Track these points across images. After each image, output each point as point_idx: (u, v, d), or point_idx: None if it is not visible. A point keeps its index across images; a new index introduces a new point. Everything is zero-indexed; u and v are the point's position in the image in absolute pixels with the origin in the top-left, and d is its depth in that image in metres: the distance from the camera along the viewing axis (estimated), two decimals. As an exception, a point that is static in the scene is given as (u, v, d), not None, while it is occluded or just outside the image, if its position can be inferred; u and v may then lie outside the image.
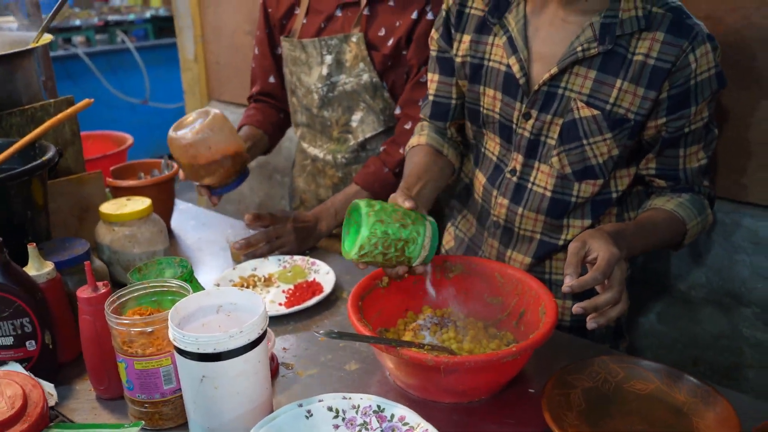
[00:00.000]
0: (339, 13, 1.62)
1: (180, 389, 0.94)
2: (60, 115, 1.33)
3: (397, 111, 1.62)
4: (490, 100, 1.27)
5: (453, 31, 1.31)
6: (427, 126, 1.41)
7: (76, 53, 4.88)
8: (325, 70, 1.62)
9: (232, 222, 1.69)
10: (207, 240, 1.59)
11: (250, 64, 1.82)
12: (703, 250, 1.47)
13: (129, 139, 2.00)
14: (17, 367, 0.99)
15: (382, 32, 1.57)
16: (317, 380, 1.06)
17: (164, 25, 5.76)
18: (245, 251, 1.45)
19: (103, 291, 0.99)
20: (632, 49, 1.12)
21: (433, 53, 1.37)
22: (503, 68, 1.23)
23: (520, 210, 1.28)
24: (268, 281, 1.36)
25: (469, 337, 1.09)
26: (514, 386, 1.03)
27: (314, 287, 1.30)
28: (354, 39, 1.57)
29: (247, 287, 1.33)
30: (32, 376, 0.94)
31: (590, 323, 0.96)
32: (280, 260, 1.42)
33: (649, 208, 1.23)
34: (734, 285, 1.41)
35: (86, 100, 1.38)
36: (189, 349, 0.84)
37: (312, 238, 1.52)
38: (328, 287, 1.29)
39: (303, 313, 1.24)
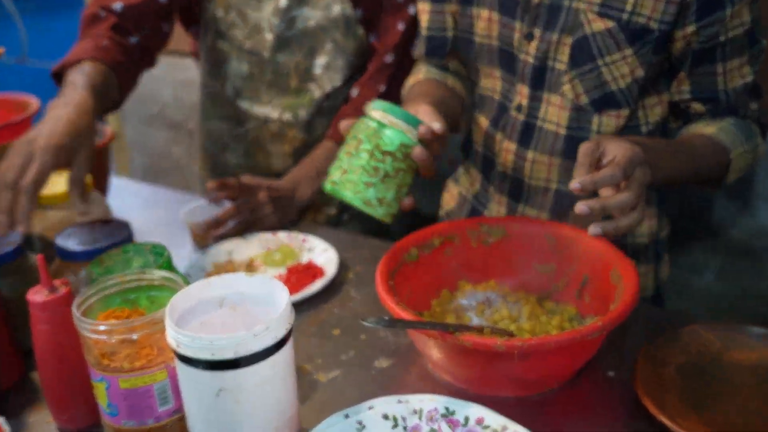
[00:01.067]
0: None
1: (178, 409, 0.87)
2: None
3: (372, 39, 1.56)
4: (485, 23, 1.24)
5: None
6: (423, 64, 1.39)
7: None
8: (283, 2, 1.52)
9: (181, 197, 1.60)
10: (157, 221, 1.51)
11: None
12: (763, 191, 1.48)
13: (34, 103, 1.86)
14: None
15: None
16: (343, 384, 1.01)
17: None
18: (211, 233, 1.37)
19: (62, 292, 0.90)
20: None
21: None
22: None
23: (529, 154, 1.26)
24: (250, 267, 1.29)
25: (526, 315, 1.05)
26: (589, 370, 1.00)
27: (313, 270, 1.25)
28: None
29: (224, 276, 1.26)
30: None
31: (593, 228, 0.94)
32: (260, 240, 1.35)
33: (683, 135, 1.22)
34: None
35: (-5, 50, 1.28)
36: (201, 356, 0.77)
37: (293, 210, 1.45)
38: (330, 268, 1.24)
39: (304, 304, 1.18)
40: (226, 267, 1.29)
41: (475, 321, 1.05)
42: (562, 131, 1.22)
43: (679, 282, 1.61)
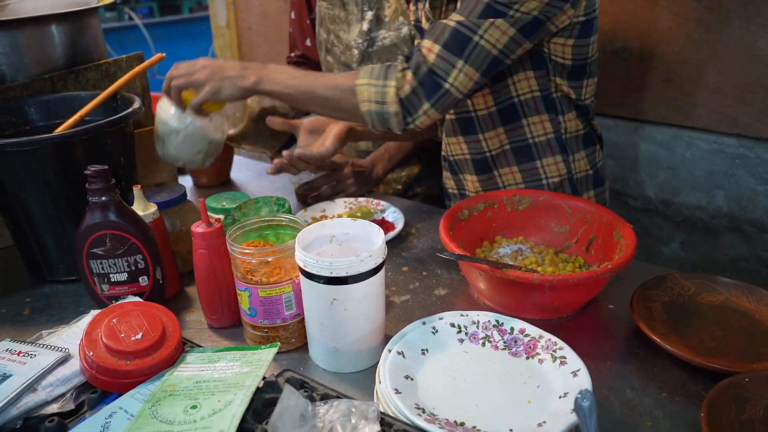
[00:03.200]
0: None
1: (298, 314, 0.89)
2: (137, 68, 1.24)
3: None
4: None
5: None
6: None
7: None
8: (365, 26, 1.53)
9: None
10: (270, 188, 1.52)
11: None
12: (725, 183, 1.45)
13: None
14: (138, 300, 0.93)
15: None
16: (412, 304, 1.02)
17: (166, 3, 5.52)
18: (309, 194, 1.39)
19: (216, 226, 0.92)
20: None
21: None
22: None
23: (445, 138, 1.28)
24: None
25: (548, 261, 1.05)
26: (594, 303, 1.01)
27: (387, 225, 1.25)
28: None
29: (320, 227, 1.28)
30: (160, 305, 0.87)
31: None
32: (345, 202, 1.37)
33: None
34: (756, 214, 1.40)
35: (158, 55, 1.30)
36: (322, 273, 0.79)
37: (370, 182, 1.46)
38: (399, 224, 1.24)
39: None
40: (320, 219, 1.30)
41: (510, 264, 1.06)
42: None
43: (651, 250, 1.59)
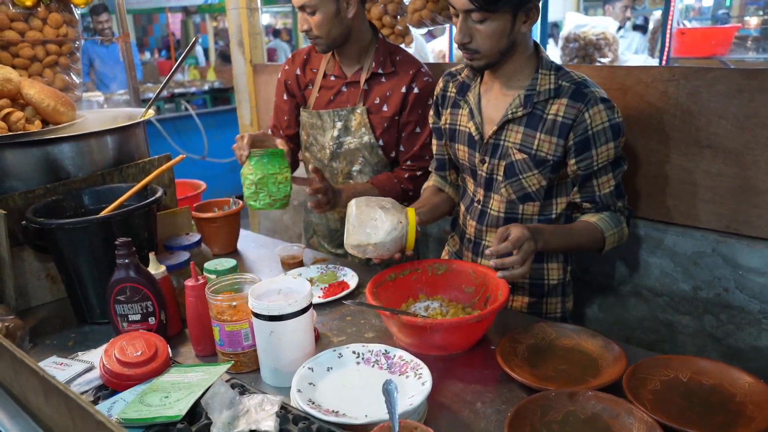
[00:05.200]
0: (344, 89, 1.95)
1: (253, 345, 1.24)
2: (163, 167, 1.67)
3: (408, 162, 1.94)
4: (461, 152, 1.60)
5: (440, 109, 1.66)
6: (433, 175, 1.77)
7: (150, 120, 5.31)
8: (335, 133, 1.94)
9: (281, 244, 2.01)
10: (264, 257, 1.91)
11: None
12: (628, 256, 1.75)
13: (203, 185, 2.34)
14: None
15: (377, 101, 1.90)
16: (345, 343, 1.35)
17: (219, 95, 6.22)
18: (292, 262, 1.76)
19: (201, 281, 1.30)
20: (547, 111, 1.43)
21: (431, 125, 1.72)
22: (466, 130, 1.56)
23: (483, 228, 1.58)
24: (310, 282, 1.66)
25: (450, 314, 1.38)
26: (481, 345, 1.31)
27: (343, 285, 1.60)
28: (358, 110, 1.90)
29: (295, 286, 1.64)
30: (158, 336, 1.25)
31: (499, 274, 1.28)
32: (318, 268, 1.73)
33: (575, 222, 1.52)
34: (650, 281, 1.69)
35: (180, 156, 1.73)
36: (263, 312, 1.15)
37: (336, 202, 1.74)
38: (352, 284, 1.60)
39: (335, 302, 1.54)
40: (297, 282, 1.67)
41: (422, 315, 1.39)
42: (502, 214, 1.55)
43: (580, 312, 1.87)
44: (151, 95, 5.65)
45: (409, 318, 1.21)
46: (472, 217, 1.60)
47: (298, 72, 2.02)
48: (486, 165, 1.53)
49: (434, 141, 1.73)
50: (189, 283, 1.30)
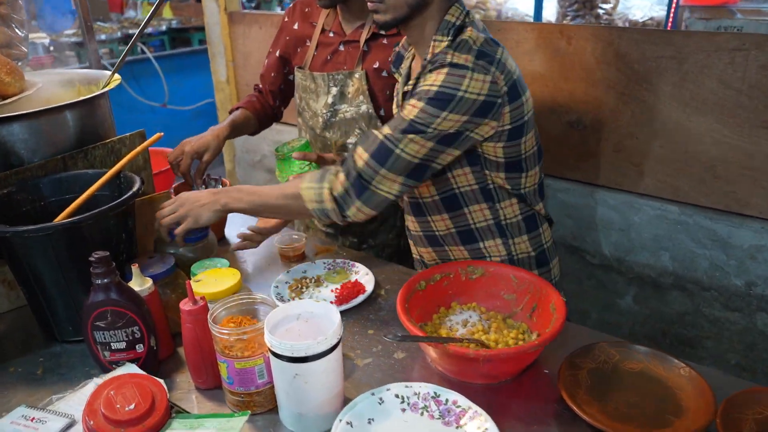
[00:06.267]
0: (342, 48, 1.69)
1: (270, 382, 1.03)
2: (138, 148, 1.39)
3: None
4: None
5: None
6: None
7: (103, 64, 4.85)
8: (330, 99, 1.69)
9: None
10: (262, 249, 1.67)
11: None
12: (671, 246, 1.58)
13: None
14: (133, 368, 1.08)
15: (376, 65, 1.65)
16: (373, 368, 1.15)
17: (177, 36, 5.73)
18: (292, 256, 1.54)
19: (201, 304, 1.07)
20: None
21: None
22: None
23: (410, 218, 1.43)
24: (317, 281, 1.45)
25: (493, 329, 1.19)
26: (531, 368, 1.14)
27: (358, 287, 1.39)
28: (357, 75, 1.65)
29: (300, 287, 1.42)
30: (153, 376, 1.02)
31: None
32: (324, 263, 1.51)
33: None
34: (697, 273, 1.53)
35: (157, 135, 1.45)
36: (285, 353, 0.93)
37: None
38: (369, 286, 1.39)
39: (352, 310, 1.33)
40: (301, 281, 1.45)
41: (460, 331, 1.19)
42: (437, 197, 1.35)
43: (607, 302, 1.72)
44: (101, 38, 5.14)
45: (460, 349, 1.02)
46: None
47: (296, 25, 1.74)
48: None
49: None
50: (185, 306, 1.07)
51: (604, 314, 1.68)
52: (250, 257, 1.61)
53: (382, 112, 1.69)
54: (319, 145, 1.78)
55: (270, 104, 1.93)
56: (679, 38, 1.41)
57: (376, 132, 1.19)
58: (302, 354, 0.93)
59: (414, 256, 1.53)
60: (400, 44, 1.44)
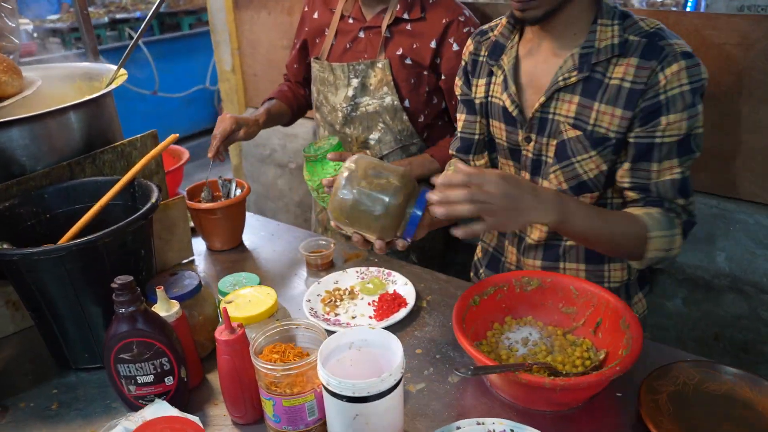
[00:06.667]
0: (362, 35, 1.57)
1: (321, 418, 0.93)
2: (153, 152, 1.26)
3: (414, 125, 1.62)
4: (497, 130, 1.29)
5: (470, 77, 1.33)
6: (454, 162, 1.42)
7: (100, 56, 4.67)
8: (350, 92, 1.57)
9: (298, 233, 1.65)
10: (281, 251, 1.55)
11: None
12: (728, 246, 1.48)
13: (185, 153, 1.92)
14: (164, 405, 0.96)
15: (399, 51, 1.54)
16: (428, 395, 1.05)
17: (167, 21, 5.52)
18: (322, 264, 1.42)
19: (239, 332, 0.96)
20: (609, 74, 1.11)
21: (459, 96, 1.38)
22: (500, 103, 1.25)
23: None
24: (351, 294, 1.33)
25: (557, 347, 1.09)
26: (603, 391, 1.04)
27: (399, 299, 1.28)
28: (380, 65, 1.53)
29: (334, 300, 1.31)
30: (187, 416, 0.91)
31: (453, 231, 0.95)
32: (357, 272, 1.40)
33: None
34: (756, 276, 1.44)
35: (172, 136, 1.32)
36: (345, 393, 0.82)
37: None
38: (410, 299, 1.28)
39: (394, 326, 1.22)
40: (334, 293, 1.33)
41: (521, 351, 1.09)
42: None
43: (657, 303, 1.62)
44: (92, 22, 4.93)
45: (534, 378, 0.91)
46: None
47: (316, 14, 1.60)
48: (532, 144, 1.22)
49: (461, 116, 1.37)
50: (222, 336, 0.95)
51: (650, 317, 1.58)
52: (272, 266, 1.49)
53: (407, 104, 1.57)
54: None
55: (301, 93, 1.84)
56: (745, 24, 1.30)
57: (671, 177, 1.12)
58: (364, 394, 0.82)
59: (484, 246, 1.45)
60: (496, 31, 1.27)
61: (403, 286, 1.33)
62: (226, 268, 1.47)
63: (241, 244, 1.60)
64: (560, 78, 1.14)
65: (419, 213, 0.99)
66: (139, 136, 1.36)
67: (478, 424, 0.88)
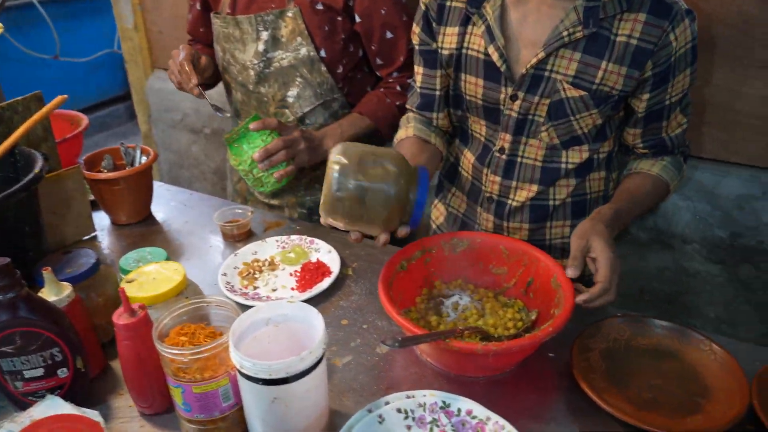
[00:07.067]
0: None
1: (237, 403, 0.85)
2: (36, 116, 1.12)
3: (395, 74, 1.51)
4: (471, 86, 1.18)
5: (435, 24, 1.19)
6: (413, 118, 1.30)
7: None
8: (261, 47, 1.45)
9: (214, 201, 1.53)
10: (194, 223, 1.43)
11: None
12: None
13: (84, 119, 1.74)
14: (57, 401, 0.85)
15: None
16: (355, 368, 0.99)
17: (65, -23, 5.06)
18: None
19: (140, 315, 0.85)
20: (615, 31, 1.05)
21: (416, 47, 1.25)
22: (482, 56, 1.14)
23: (513, 183, 1.22)
24: (272, 265, 1.24)
25: (488, 310, 1.05)
26: (536, 353, 1.01)
27: (322, 268, 1.20)
28: (290, 14, 1.41)
29: (253, 273, 1.22)
30: (84, 411, 0.81)
31: (582, 303, 0.96)
32: (277, 241, 1.31)
33: (634, 172, 1.20)
34: (679, 227, 1.45)
35: (60, 98, 1.17)
36: (260, 375, 0.74)
37: (320, 153, 1.41)
38: (335, 267, 1.20)
39: (318, 297, 1.15)
40: (252, 265, 1.24)
41: (452, 316, 1.04)
42: (539, 164, 1.19)
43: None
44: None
45: (466, 345, 0.86)
46: (492, 170, 1.23)
47: None
48: (518, 103, 1.13)
49: (419, 69, 1.26)
50: (120, 320, 0.84)
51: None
52: (185, 238, 1.38)
53: (323, 53, 1.45)
54: (254, 103, 1.53)
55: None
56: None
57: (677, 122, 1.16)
58: (282, 375, 0.74)
59: (450, 210, 1.39)
60: None
61: (326, 253, 1.25)
62: (132, 243, 1.34)
63: (150, 216, 1.46)
64: (564, 33, 1.05)
65: (424, 195, 0.93)
66: (20, 98, 1.20)
67: (408, 397, 0.82)
